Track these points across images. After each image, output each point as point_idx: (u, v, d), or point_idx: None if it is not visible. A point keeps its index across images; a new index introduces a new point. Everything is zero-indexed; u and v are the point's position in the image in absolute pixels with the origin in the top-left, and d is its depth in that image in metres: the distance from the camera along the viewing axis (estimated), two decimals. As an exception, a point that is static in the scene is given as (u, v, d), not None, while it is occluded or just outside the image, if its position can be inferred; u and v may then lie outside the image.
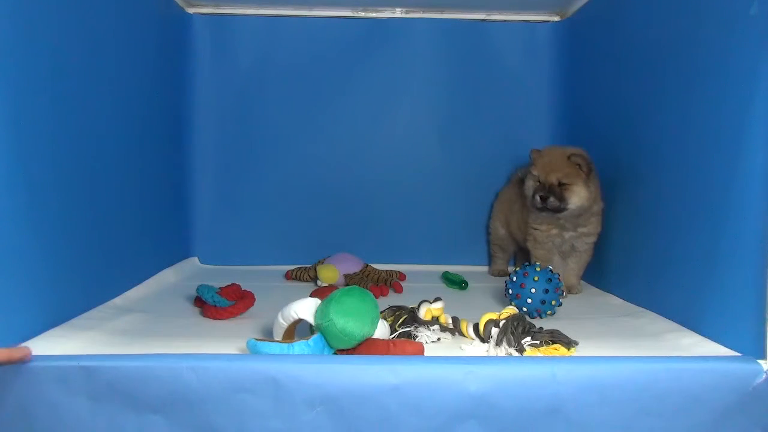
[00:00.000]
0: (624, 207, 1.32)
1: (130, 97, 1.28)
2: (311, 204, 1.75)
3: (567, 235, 1.41)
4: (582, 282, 1.48)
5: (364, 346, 0.86)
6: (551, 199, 1.33)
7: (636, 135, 1.27)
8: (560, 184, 1.33)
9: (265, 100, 1.74)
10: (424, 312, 1.02)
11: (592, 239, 1.41)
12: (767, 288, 0.81)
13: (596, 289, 1.43)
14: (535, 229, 1.44)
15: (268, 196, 1.75)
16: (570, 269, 1.44)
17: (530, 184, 1.39)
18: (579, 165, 1.33)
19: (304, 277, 1.53)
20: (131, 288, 1.27)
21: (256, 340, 0.83)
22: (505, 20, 1.75)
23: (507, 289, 1.18)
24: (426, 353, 0.86)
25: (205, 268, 1.70)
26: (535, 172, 1.37)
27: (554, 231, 1.41)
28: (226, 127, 1.74)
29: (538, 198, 1.34)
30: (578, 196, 1.33)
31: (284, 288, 1.46)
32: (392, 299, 1.28)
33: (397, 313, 1.03)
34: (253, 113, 1.74)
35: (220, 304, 1.12)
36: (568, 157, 1.34)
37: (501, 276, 1.65)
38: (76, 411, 0.75)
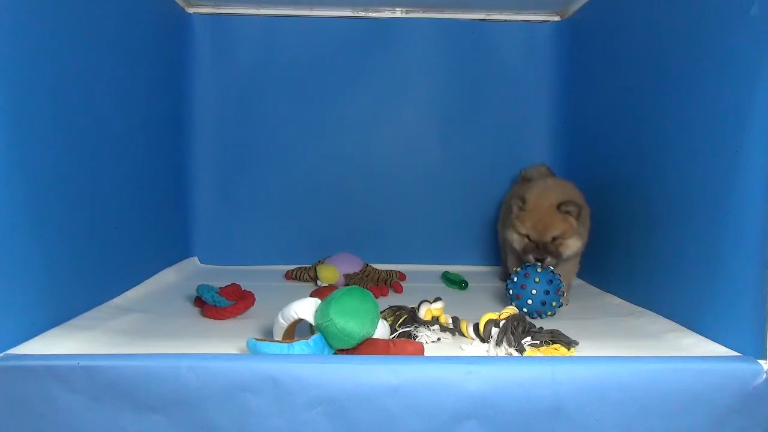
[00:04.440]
0: (624, 207, 1.32)
1: (129, 97, 1.28)
2: (311, 204, 1.75)
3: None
4: (582, 282, 1.48)
5: (364, 346, 0.86)
6: (548, 259, 1.22)
7: (636, 135, 1.27)
8: (553, 239, 1.24)
9: (265, 100, 1.74)
10: (424, 312, 1.02)
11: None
12: (767, 288, 0.81)
13: (596, 289, 1.43)
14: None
15: (268, 196, 1.75)
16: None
17: (517, 239, 1.28)
18: (569, 212, 1.24)
19: (304, 277, 1.53)
20: (131, 288, 1.27)
21: (256, 340, 0.83)
22: (505, 20, 1.75)
23: (508, 290, 1.18)
24: (426, 353, 0.86)
25: (205, 268, 1.70)
26: (522, 231, 1.25)
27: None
28: (226, 127, 1.74)
29: (531, 257, 1.23)
30: (571, 249, 1.25)
31: (284, 288, 1.46)
32: (392, 299, 1.28)
33: (397, 313, 1.03)
34: (253, 113, 1.74)
35: (220, 304, 1.12)
36: (557, 208, 1.23)
37: None
38: (76, 411, 0.75)
